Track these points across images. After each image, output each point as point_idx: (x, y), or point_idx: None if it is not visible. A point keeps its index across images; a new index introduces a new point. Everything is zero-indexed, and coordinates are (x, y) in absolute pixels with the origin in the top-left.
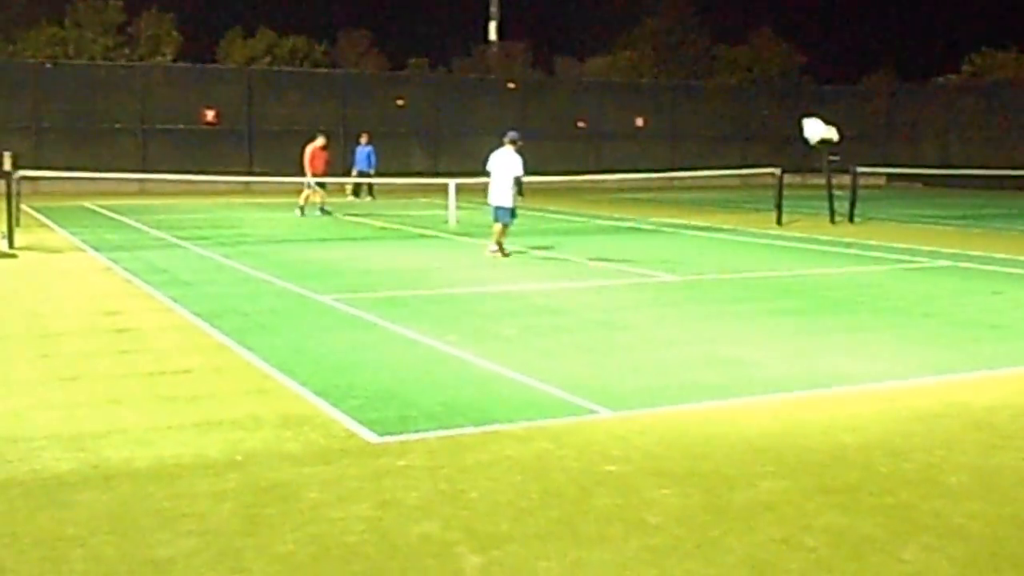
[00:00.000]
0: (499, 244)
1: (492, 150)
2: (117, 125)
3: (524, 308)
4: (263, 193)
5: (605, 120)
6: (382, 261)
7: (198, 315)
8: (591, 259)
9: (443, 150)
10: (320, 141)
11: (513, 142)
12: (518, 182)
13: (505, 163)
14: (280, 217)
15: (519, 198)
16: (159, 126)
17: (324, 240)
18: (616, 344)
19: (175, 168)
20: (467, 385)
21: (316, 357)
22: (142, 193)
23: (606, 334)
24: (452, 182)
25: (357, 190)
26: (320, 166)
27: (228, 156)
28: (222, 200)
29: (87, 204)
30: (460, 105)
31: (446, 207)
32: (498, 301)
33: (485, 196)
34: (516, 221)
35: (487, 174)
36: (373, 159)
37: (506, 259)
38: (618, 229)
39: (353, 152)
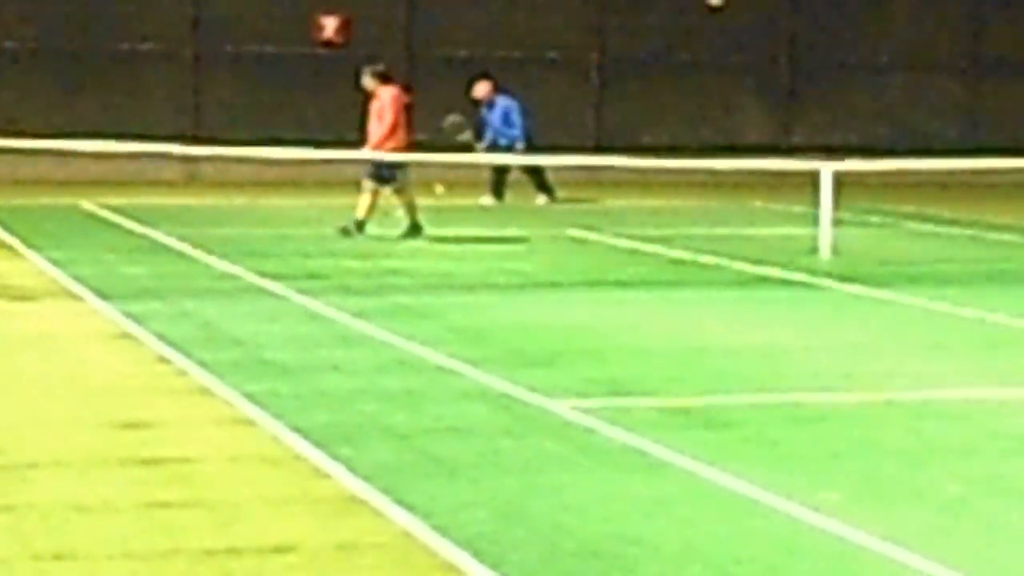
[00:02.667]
0: None
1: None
2: (146, 47)
3: (980, 438)
4: (432, 183)
5: None
6: (677, 331)
7: (304, 434)
8: None
9: (803, 102)
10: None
11: None
12: None
13: None
14: (470, 235)
15: None
16: (228, 49)
17: (557, 285)
18: None
19: (260, 136)
20: None
21: (548, 530)
22: (193, 183)
23: None
24: (826, 168)
25: (498, 185)
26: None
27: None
28: (352, 199)
29: (86, 204)
30: (839, 5)
31: (811, 220)
32: (923, 421)
33: (894, 194)
34: None
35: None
36: (516, 120)
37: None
38: None
39: (492, 112)
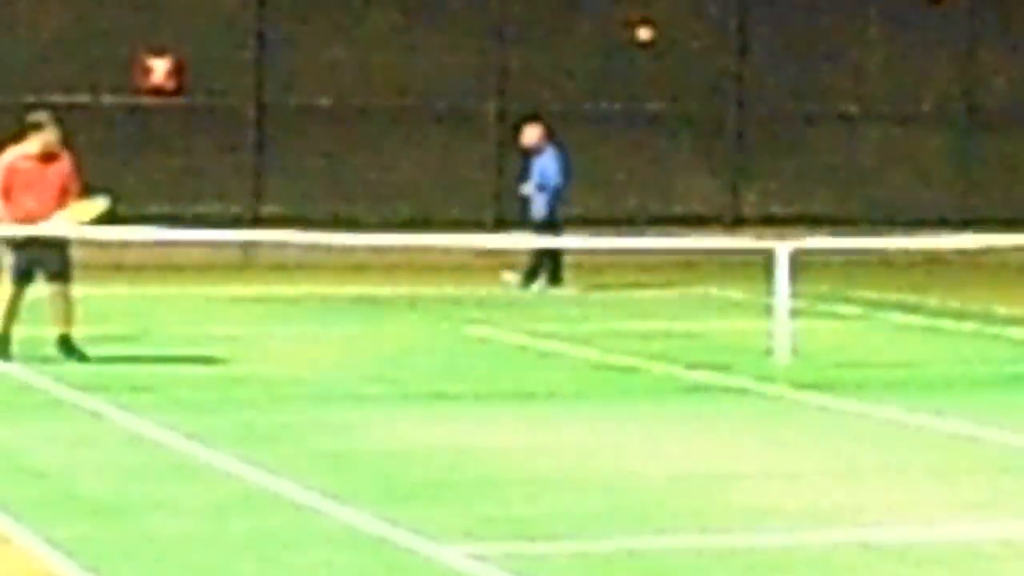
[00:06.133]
0: None
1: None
2: None
3: None
4: (287, 269)
5: None
6: (595, 455)
7: None
8: None
9: (755, 162)
10: (33, 145)
11: None
12: None
13: None
14: (343, 335)
15: None
16: (31, 99)
17: (446, 397)
18: None
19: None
20: None
21: None
22: None
23: None
24: (782, 247)
25: (535, 267)
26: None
27: (203, 175)
28: (188, 289)
29: None
30: (798, 42)
31: (765, 311)
32: (905, 567)
33: (867, 277)
34: None
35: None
36: (558, 178)
37: None
38: None
39: (525, 168)
